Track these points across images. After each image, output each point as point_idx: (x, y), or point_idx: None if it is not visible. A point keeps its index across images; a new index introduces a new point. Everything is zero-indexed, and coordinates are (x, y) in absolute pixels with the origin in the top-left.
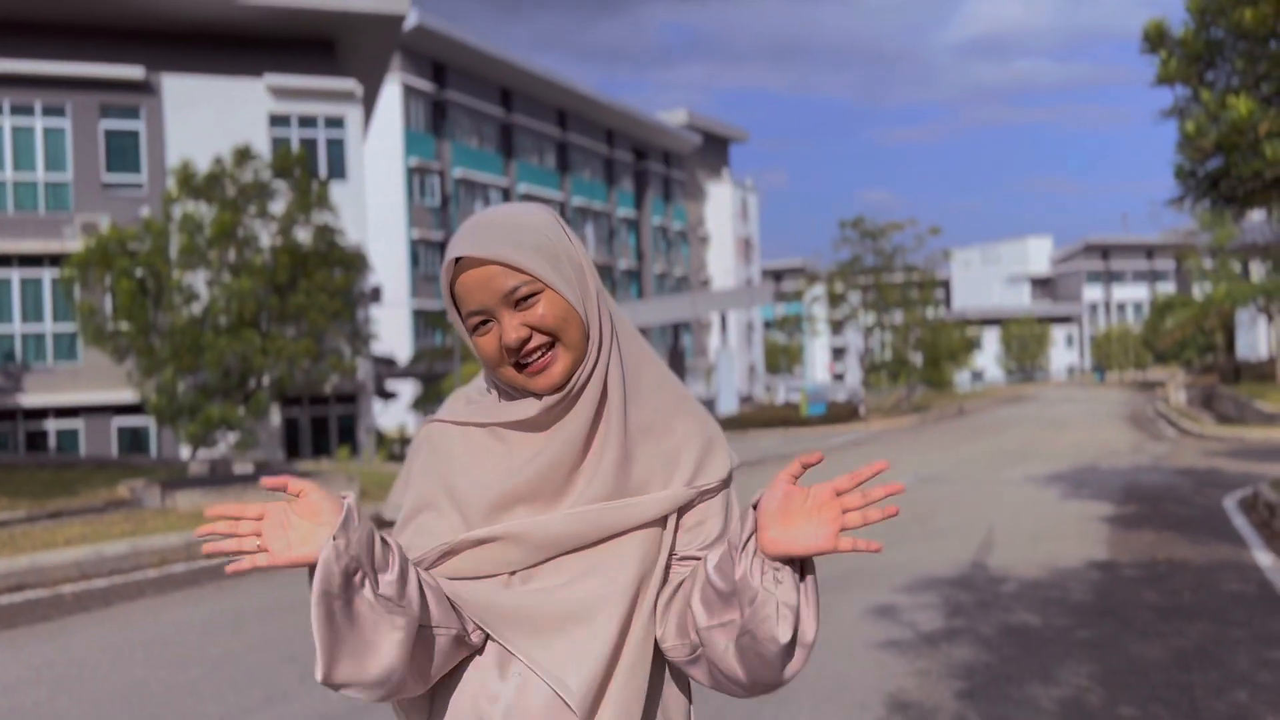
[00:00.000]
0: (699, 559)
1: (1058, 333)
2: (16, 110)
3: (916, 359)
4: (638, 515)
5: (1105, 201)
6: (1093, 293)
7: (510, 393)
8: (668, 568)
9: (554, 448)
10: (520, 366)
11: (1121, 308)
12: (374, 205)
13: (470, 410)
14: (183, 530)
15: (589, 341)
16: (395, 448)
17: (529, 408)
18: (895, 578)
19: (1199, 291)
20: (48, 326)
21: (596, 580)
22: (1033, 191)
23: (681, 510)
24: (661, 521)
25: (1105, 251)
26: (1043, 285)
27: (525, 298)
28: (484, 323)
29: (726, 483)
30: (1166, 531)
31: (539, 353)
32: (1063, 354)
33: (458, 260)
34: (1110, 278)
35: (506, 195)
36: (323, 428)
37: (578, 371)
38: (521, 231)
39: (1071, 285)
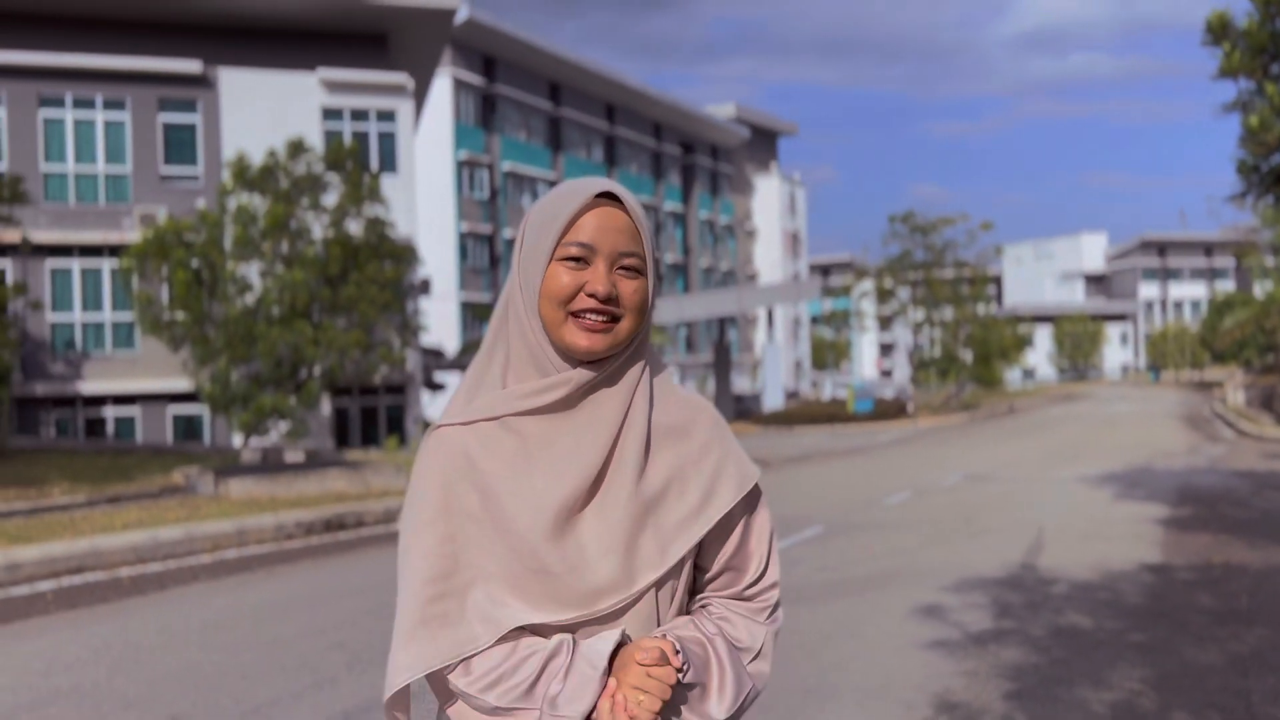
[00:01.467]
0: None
1: (1112, 331)
2: (78, 104)
3: (966, 356)
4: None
5: (1163, 197)
6: (1149, 290)
7: (535, 363)
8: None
9: (586, 448)
10: (578, 318)
11: (1179, 306)
12: (424, 198)
13: (476, 406)
14: (235, 517)
15: (637, 336)
16: None
17: (558, 388)
18: (942, 577)
19: (1260, 290)
20: (107, 315)
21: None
22: (1087, 187)
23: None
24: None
25: (1162, 248)
26: (1097, 282)
27: (631, 267)
28: (578, 259)
29: (747, 504)
30: (1223, 534)
31: (605, 318)
32: (1117, 352)
33: (599, 195)
34: (1167, 275)
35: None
36: (372, 418)
37: (614, 357)
38: (646, 218)
39: (1127, 282)
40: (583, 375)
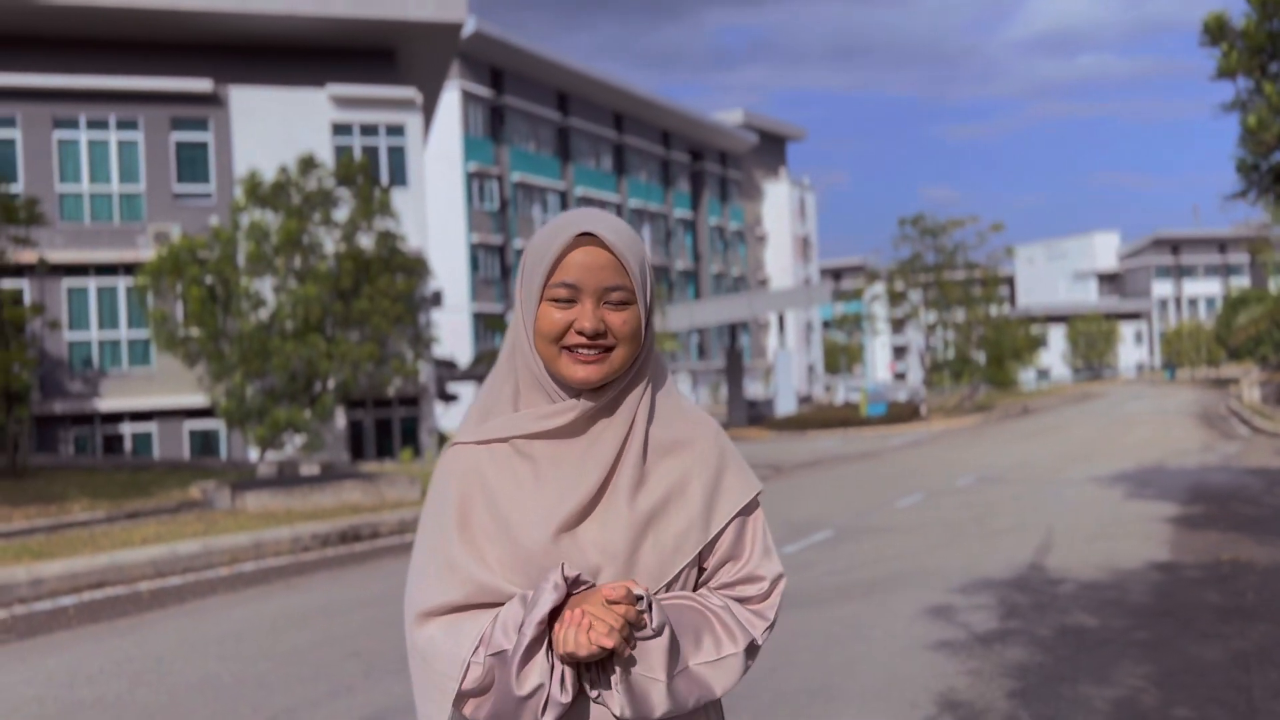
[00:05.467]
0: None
1: (1126, 330)
2: (92, 125)
3: (979, 357)
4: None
5: (1175, 195)
6: (1162, 288)
7: (542, 390)
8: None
9: (589, 471)
10: (571, 352)
11: (1193, 303)
12: (434, 211)
13: (489, 427)
14: (252, 530)
15: (637, 360)
16: None
17: (562, 414)
18: (951, 578)
19: (1274, 285)
20: (123, 333)
21: None
22: (1099, 186)
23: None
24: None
25: (1175, 246)
26: (1110, 281)
27: (618, 300)
28: (565, 299)
29: (746, 510)
30: (1233, 532)
31: (597, 350)
32: (1131, 351)
33: (581, 235)
34: (1181, 272)
35: (564, 198)
36: (386, 430)
37: (615, 383)
38: (639, 245)
39: (1140, 281)
40: (585, 404)
